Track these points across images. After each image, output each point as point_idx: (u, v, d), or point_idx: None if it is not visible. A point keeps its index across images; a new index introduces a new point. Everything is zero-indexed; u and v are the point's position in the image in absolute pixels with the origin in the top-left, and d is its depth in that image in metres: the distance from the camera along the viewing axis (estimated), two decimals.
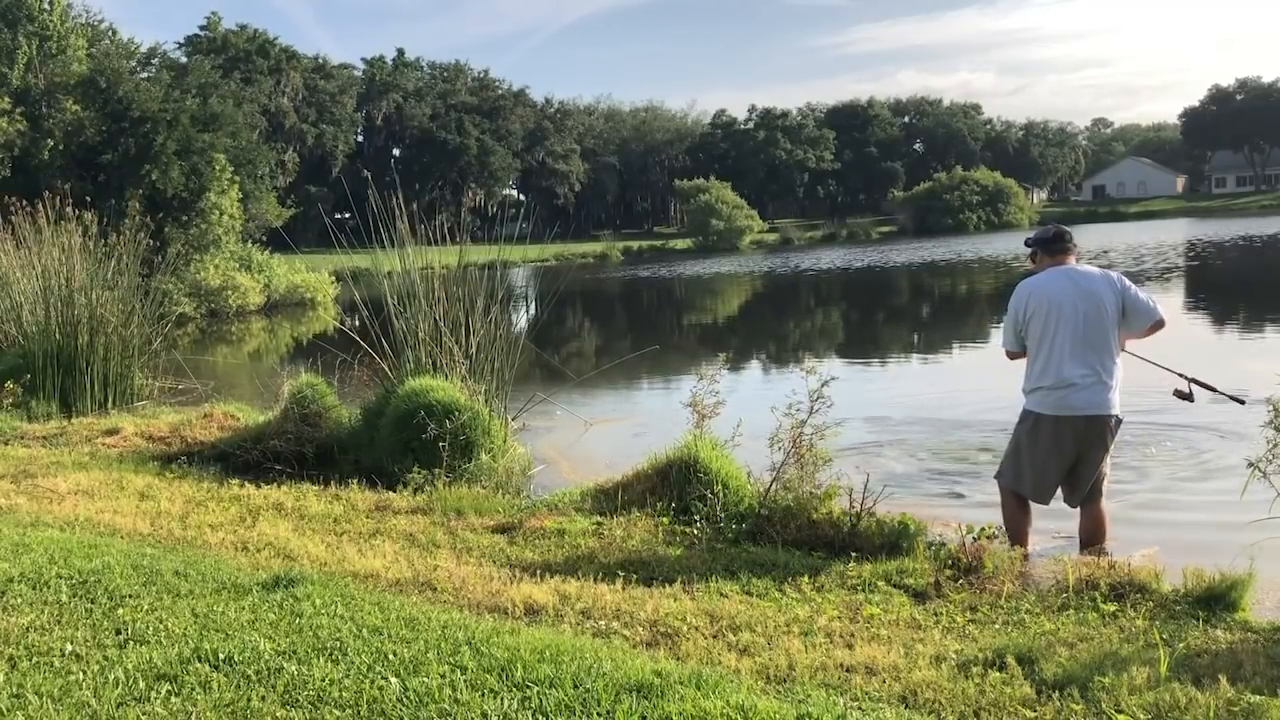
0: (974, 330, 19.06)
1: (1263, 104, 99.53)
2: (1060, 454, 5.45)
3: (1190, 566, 4.72)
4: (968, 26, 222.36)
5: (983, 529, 5.45)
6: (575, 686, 3.24)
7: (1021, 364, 5.69)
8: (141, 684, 3.29)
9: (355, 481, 7.25)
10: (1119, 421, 5.49)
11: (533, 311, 23.62)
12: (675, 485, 6.24)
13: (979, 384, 11.66)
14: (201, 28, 72.73)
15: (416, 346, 8.68)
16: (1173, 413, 9.48)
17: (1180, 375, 5.84)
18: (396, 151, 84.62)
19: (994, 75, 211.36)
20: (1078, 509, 5.64)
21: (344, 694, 3.21)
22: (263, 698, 3.19)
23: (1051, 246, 5.68)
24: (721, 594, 4.68)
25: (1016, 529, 5.59)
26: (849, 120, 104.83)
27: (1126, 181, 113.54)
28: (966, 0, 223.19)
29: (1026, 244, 5.94)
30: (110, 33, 43.56)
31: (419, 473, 7.17)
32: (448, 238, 9.80)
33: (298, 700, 3.18)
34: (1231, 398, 6.05)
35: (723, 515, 5.85)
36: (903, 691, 3.55)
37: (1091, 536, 5.53)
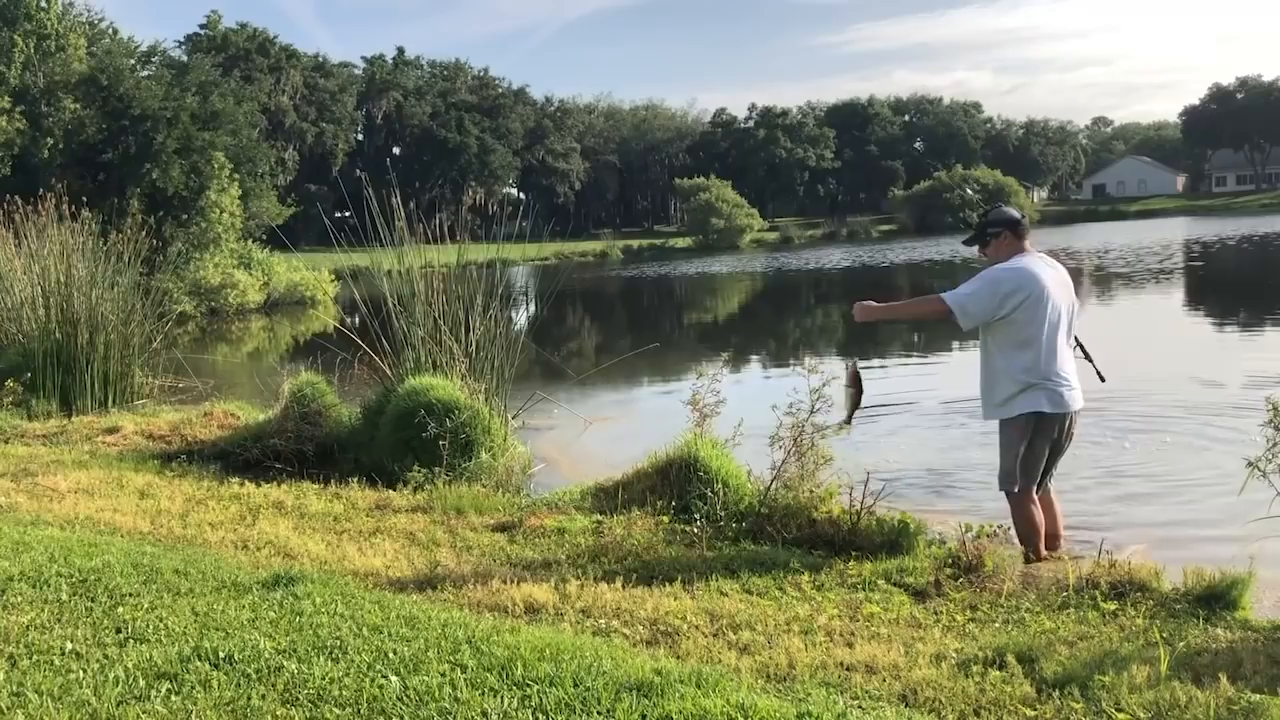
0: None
1: (1263, 103, 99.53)
2: (1050, 446, 5.43)
3: (1190, 565, 4.72)
4: (967, 25, 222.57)
5: (982, 527, 5.44)
6: (575, 685, 3.24)
7: None
8: (141, 682, 3.29)
9: (355, 480, 7.25)
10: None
11: (532, 310, 23.63)
12: (675, 484, 6.23)
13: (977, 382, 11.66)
14: (201, 26, 72.78)
15: (416, 345, 8.67)
16: (1170, 411, 9.51)
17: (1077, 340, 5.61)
18: (396, 150, 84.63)
19: (990, 74, 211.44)
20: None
21: (344, 692, 3.21)
22: (263, 696, 3.19)
23: (1020, 229, 5.44)
24: (721, 592, 4.68)
25: (1034, 530, 5.39)
26: (849, 119, 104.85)
27: (1127, 180, 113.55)
28: None
29: (991, 223, 5.45)
30: (110, 31, 43.56)
31: (419, 471, 7.17)
32: (447, 236, 9.79)
33: (298, 699, 3.18)
34: (1098, 371, 5.70)
35: (723, 514, 5.85)
36: (903, 690, 3.55)
37: (1056, 522, 5.58)
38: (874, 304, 5.50)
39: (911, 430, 9.50)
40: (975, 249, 5.62)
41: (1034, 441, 5.35)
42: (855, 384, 5.62)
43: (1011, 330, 5.26)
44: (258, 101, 57.96)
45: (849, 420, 5.74)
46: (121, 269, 11.28)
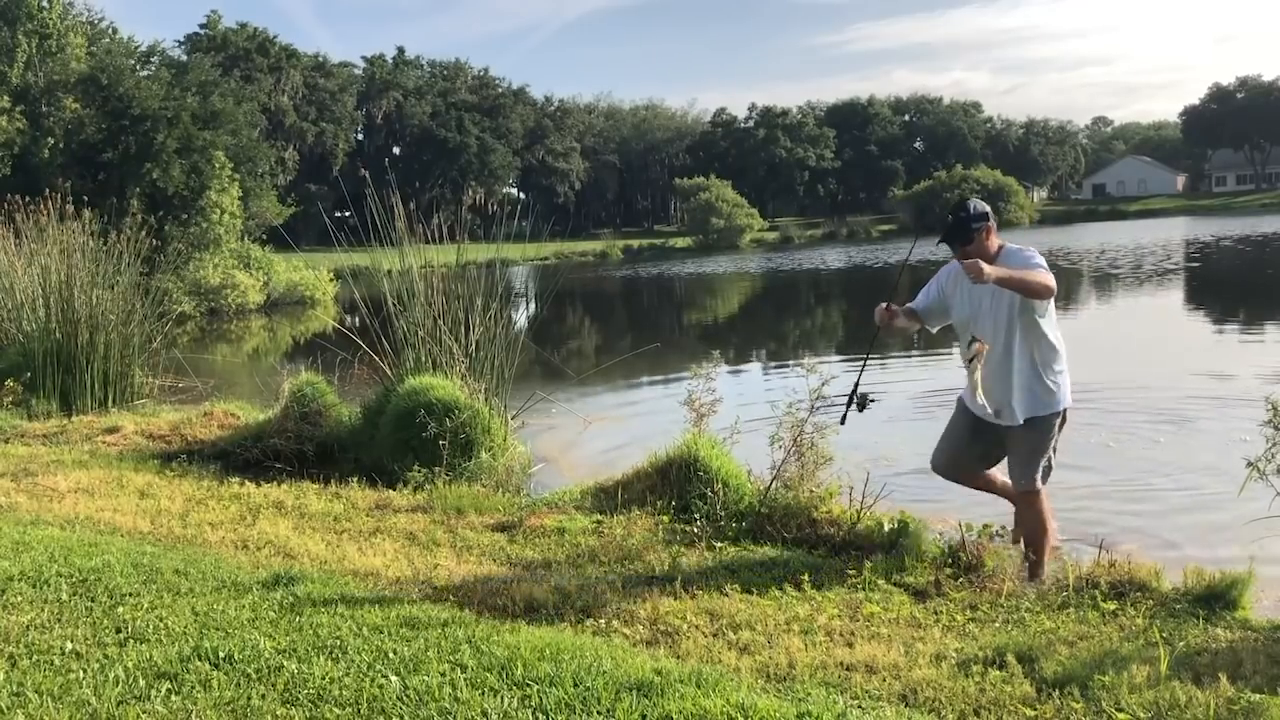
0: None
1: (1263, 102, 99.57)
2: None
3: (1190, 565, 4.72)
4: (966, 24, 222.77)
5: (984, 527, 5.44)
6: (575, 685, 3.24)
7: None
8: (141, 682, 3.29)
9: (355, 480, 7.24)
10: None
11: (532, 309, 23.64)
12: (675, 484, 6.23)
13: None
14: (201, 26, 72.84)
15: (416, 345, 8.67)
16: (1167, 410, 9.51)
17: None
18: (396, 150, 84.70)
19: (988, 74, 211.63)
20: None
21: (344, 692, 3.21)
22: (263, 696, 3.19)
23: (993, 220, 5.16)
24: (722, 592, 4.67)
25: (1047, 531, 5.24)
26: (849, 118, 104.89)
27: (1127, 180, 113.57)
28: None
29: (975, 217, 5.05)
30: (110, 31, 43.55)
31: (419, 471, 7.17)
32: (447, 236, 9.79)
33: (298, 699, 3.18)
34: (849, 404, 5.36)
35: (723, 514, 5.85)
36: (903, 690, 3.55)
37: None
38: (989, 268, 4.79)
39: (912, 429, 9.48)
40: (947, 247, 5.18)
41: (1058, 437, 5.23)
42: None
43: (1049, 321, 5.07)
44: (258, 101, 57.97)
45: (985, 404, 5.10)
46: (121, 269, 11.27)
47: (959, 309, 5.24)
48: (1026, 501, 5.23)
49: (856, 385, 5.30)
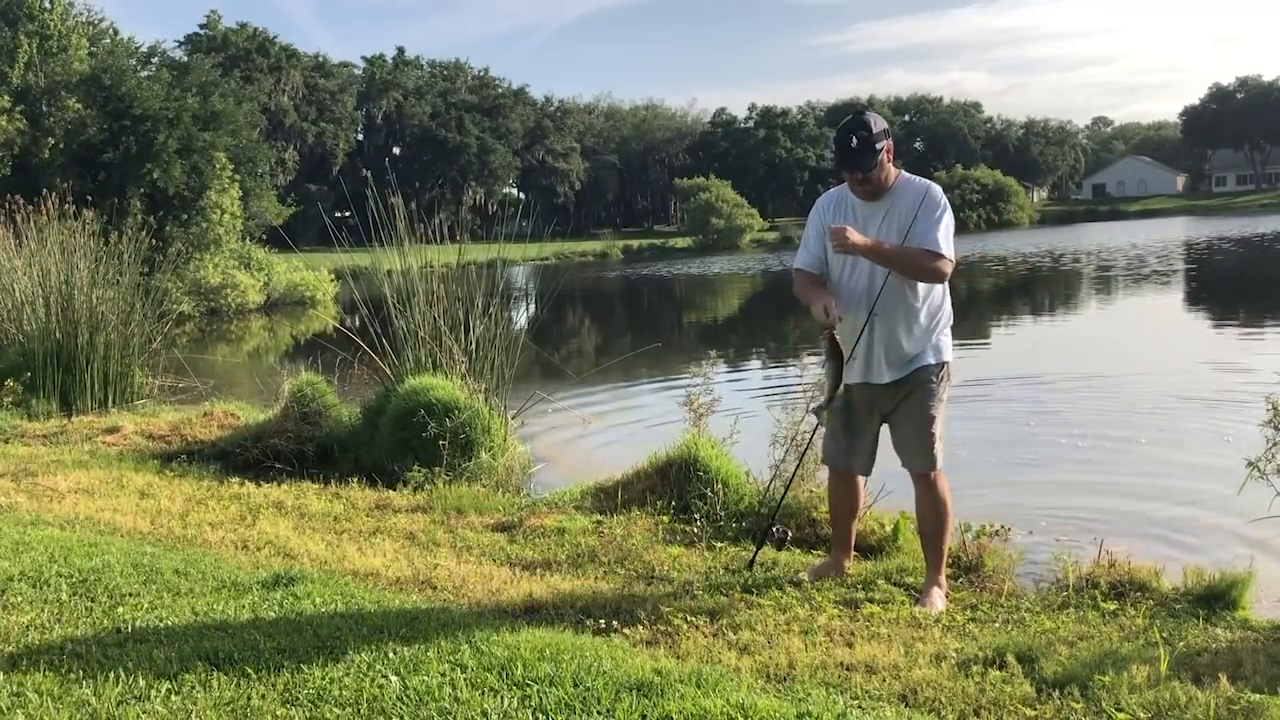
0: (973, 327, 19.03)
1: (1263, 102, 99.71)
2: None
3: (1190, 565, 4.72)
4: (967, 24, 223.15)
5: (982, 527, 5.43)
6: (575, 685, 3.24)
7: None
8: (141, 682, 3.29)
9: (355, 480, 7.24)
10: None
11: (533, 310, 23.63)
12: (675, 484, 6.23)
13: (974, 379, 11.67)
14: (201, 26, 72.94)
15: (416, 345, 8.66)
16: (1166, 408, 9.51)
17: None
18: (396, 150, 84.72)
19: (985, 75, 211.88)
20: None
21: (344, 692, 3.21)
22: (262, 696, 3.19)
23: None
24: (721, 592, 4.67)
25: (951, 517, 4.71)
26: None
27: (1127, 180, 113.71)
28: None
29: (879, 134, 4.29)
30: (110, 31, 43.57)
31: (419, 471, 7.17)
32: (447, 236, 9.78)
33: (298, 699, 3.18)
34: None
35: (722, 514, 5.85)
36: (903, 690, 3.54)
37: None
38: (858, 237, 4.19)
39: None
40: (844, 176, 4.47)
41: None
42: (835, 356, 4.43)
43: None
44: (258, 101, 58.00)
45: (830, 403, 4.56)
46: (122, 269, 11.27)
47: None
48: (929, 484, 4.58)
49: (775, 515, 5.17)
